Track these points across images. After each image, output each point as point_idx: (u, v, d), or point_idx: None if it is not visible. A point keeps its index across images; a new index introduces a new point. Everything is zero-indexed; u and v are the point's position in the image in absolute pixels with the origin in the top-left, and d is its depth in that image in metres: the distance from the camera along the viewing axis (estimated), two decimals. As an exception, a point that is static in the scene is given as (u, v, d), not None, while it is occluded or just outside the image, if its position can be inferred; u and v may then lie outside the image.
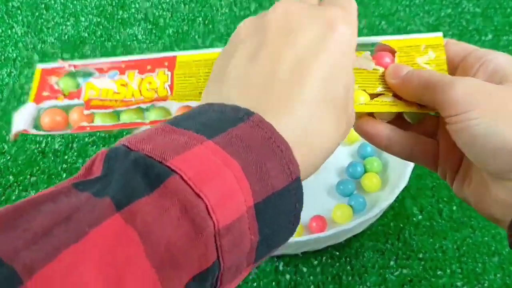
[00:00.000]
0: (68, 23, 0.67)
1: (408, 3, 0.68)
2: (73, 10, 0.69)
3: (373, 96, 0.32)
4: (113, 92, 0.32)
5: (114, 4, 0.69)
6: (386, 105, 0.31)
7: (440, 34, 0.33)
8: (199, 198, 0.19)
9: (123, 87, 0.32)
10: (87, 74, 0.34)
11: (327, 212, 0.46)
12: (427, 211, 0.47)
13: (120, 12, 0.68)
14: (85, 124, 0.31)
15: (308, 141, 0.24)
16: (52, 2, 0.70)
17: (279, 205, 0.22)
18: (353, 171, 0.49)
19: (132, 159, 0.20)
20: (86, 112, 0.31)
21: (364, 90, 0.32)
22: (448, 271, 0.44)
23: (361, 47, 0.33)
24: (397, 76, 0.31)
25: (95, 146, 0.54)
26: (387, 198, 0.44)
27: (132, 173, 0.20)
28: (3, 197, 0.51)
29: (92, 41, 0.64)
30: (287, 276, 0.43)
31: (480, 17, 0.66)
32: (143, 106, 0.31)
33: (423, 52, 0.33)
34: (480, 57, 0.30)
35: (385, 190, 0.48)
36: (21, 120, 0.31)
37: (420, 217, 0.47)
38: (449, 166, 0.32)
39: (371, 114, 0.33)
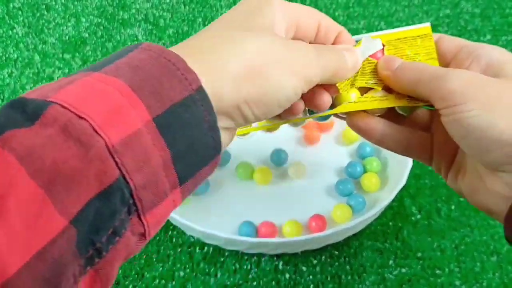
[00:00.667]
0: (69, 24, 0.67)
1: (407, 4, 0.69)
2: (73, 11, 0.69)
3: (363, 91, 0.32)
4: None
5: (114, 4, 0.69)
6: (376, 100, 0.32)
7: (427, 24, 0.33)
8: (81, 119, 0.19)
9: None
10: None
11: (326, 212, 0.46)
12: (425, 211, 0.48)
13: (121, 13, 0.68)
14: None
15: (206, 56, 0.24)
16: (53, 2, 0.70)
17: (185, 117, 0.21)
18: (352, 171, 0.49)
19: (10, 103, 0.20)
20: None
21: (354, 85, 0.32)
22: (447, 270, 0.44)
23: None
24: (390, 68, 0.31)
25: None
26: (386, 198, 0.44)
27: (7, 111, 0.20)
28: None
29: (93, 42, 0.65)
30: (287, 275, 0.44)
31: (479, 18, 0.66)
32: None
33: (411, 43, 0.33)
34: (472, 51, 0.30)
35: (384, 190, 0.48)
36: None
37: (418, 216, 0.47)
38: (443, 158, 0.32)
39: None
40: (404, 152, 0.33)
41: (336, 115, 0.34)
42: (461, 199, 0.48)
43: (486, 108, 0.27)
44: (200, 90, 0.22)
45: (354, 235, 0.46)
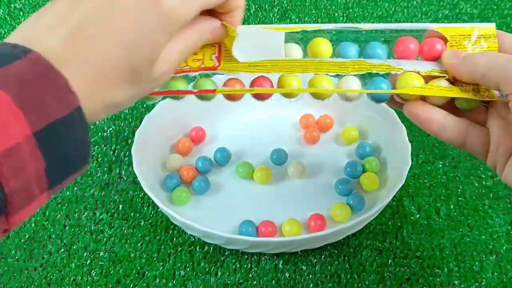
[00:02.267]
0: (70, 25, 0.67)
1: (406, 5, 0.69)
2: (74, 11, 0.69)
3: (426, 79, 0.32)
4: None
5: (115, 5, 0.69)
6: (442, 89, 0.32)
7: (493, 24, 0.33)
8: None
9: None
10: None
11: (326, 211, 0.46)
12: (424, 210, 0.48)
13: (121, 14, 0.68)
14: None
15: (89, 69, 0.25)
16: (54, 3, 0.70)
17: (62, 133, 0.24)
18: (351, 170, 0.49)
19: None
20: None
21: (418, 73, 0.32)
22: (446, 269, 0.44)
23: (411, 32, 0.33)
24: (457, 56, 0.31)
25: (96, 146, 0.54)
26: (385, 197, 0.45)
27: None
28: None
29: (93, 43, 0.65)
30: (287, 274, 0.44)
31: (478, 18, 0.66)
32: (191, 75, 0.33)
33: (475, 42, 0.33)
34: None
35: (383, 190, 0.48)
36: None
37: (417, 216, 0.48)
38: (501, 152, 0.32)
39: (422, 98, 0.33)
40: (462, 144, 0.33)
41: (392, 101, 0.34)
42: (460, 198, 0.49)
43: None
44: (79, 110, 0.25)
45: (353, 234, 0.46)
